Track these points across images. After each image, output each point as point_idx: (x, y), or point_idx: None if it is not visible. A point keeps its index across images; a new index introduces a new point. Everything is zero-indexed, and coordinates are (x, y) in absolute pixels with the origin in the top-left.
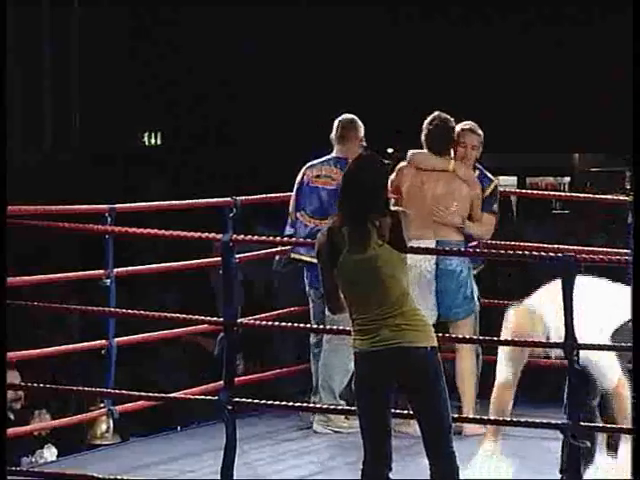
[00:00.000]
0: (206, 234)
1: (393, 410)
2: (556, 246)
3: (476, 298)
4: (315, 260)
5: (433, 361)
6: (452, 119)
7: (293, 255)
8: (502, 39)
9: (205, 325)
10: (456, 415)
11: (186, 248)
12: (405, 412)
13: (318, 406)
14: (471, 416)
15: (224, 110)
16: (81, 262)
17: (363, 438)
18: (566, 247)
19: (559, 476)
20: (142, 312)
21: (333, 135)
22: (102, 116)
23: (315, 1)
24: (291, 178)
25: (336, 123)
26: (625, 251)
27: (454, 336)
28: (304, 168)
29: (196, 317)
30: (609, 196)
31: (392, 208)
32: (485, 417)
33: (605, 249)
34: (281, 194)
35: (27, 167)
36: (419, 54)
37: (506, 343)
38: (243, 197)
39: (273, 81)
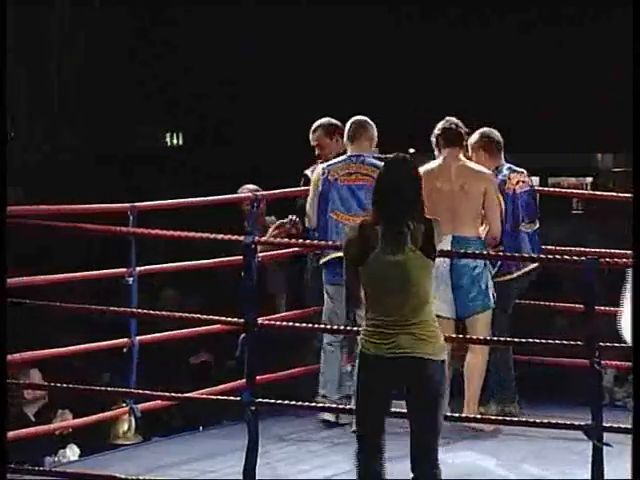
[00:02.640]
0: (229, 235)
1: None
2: (577, 248)
3: (491, 295)
4: None
5: (442, 374)
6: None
7: (337, 254)
8: (519, 38)
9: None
10: (464, 415)
11: (188, 248)
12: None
13: (342, 407)
14: (476, 416)
15: (226, 110)
16: (83, 262)
17: (359, 435)
18: (585, 250)
19: (583, 477)
20: (163, 312)
21: (345, 136)
22: (104, 116)
23: (315, 1)
24: (293, 178)
25: (347, 124)
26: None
27: (475, 337)
28: (322, 169)
29: (217, 317)
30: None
31: (427, 216)
32: (494, 417)
33: (624, 251)
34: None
35: (27, 167)
36: (423, 54)
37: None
38: (264, 192)
39: (275, 81)
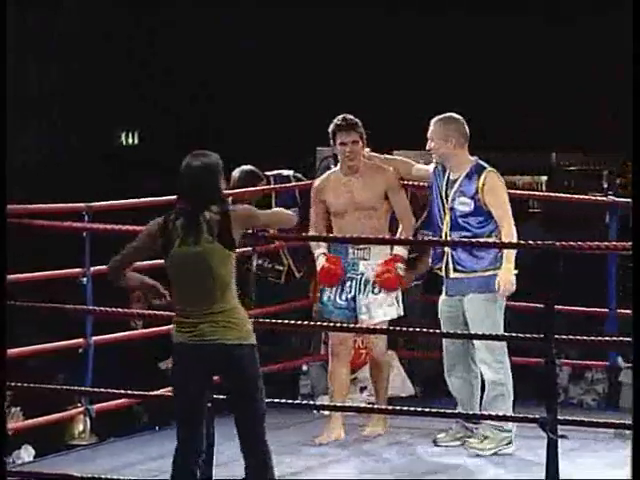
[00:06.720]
0: None
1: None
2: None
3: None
4: None
5: (253, 358)
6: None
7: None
8: (477, 36)
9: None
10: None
11: None
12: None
13: (290, 402)
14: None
15: (221, 111)
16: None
17: (177, 428)
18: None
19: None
20: (120, 310)
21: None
22: (99, 116)
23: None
24: None
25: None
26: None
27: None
28: None
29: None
30: (586, 196)
31: (226, 207)
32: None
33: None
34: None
35: (26, 167)
36: (418, 53)
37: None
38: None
39: (270, 81)
